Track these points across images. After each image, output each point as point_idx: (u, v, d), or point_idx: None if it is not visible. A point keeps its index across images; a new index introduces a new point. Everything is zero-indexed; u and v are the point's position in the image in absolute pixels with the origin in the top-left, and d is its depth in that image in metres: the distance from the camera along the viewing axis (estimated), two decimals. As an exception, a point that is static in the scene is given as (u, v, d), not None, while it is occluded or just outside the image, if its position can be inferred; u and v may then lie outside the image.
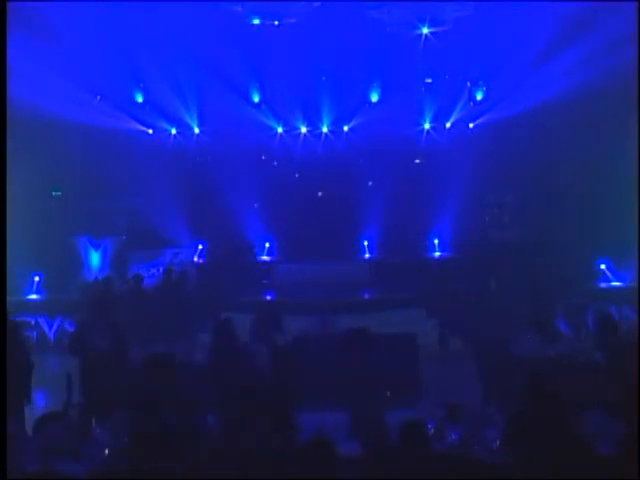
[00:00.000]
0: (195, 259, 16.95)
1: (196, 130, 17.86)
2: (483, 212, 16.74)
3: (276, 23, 16.74)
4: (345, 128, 17.87)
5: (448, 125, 17.80)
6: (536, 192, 16.17)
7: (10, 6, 9.18)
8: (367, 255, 17.36)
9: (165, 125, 17.76)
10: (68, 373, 8.34)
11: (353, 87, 17.33)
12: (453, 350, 12.50)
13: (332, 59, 16.73)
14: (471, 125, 17.70)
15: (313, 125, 17.99)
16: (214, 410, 7.06)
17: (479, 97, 17.50)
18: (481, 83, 17.42)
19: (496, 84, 16.97)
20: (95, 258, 16.36)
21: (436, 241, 17.19)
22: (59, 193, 16.59)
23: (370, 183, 17.31)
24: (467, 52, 16.62)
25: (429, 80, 17.68)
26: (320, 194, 17.92)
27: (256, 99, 17.78)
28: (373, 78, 17.49)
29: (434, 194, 16.82)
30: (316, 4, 16.10)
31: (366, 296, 15.51)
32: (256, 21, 16.76)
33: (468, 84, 17.53)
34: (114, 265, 16.25)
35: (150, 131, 17.68)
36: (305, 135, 18.03)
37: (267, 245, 17.47)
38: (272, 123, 17.85)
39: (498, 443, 5.58)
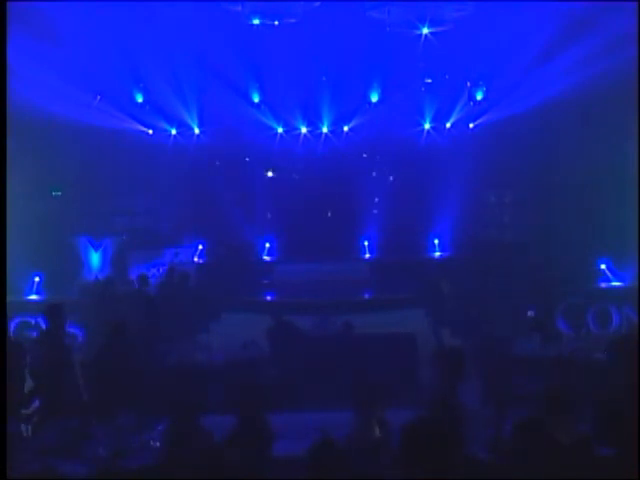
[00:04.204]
0: (195, 259, 16.95)
1: (196, 130, 17.86)
2: (483, 212, 16.73)
3: (276, 23, 16.69)
4: (345, 128, 17.87)
5: (448, 125, 17.80)
6: (536, 192, 16.17)
7: (10, 6, 9.17)
8: (367, 255, 17.36)
9: (165, 125, 17.76)
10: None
11: (353, 87, 17.33)
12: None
13: (332, 59, 16.71)
14: (471, 125, 17.70)
15: (313, 125, 17.99)
16: (215, 410, 7.07)
17: (479, 97, 17.49)
18: (481, 83, 17.41)
19: (496, 84, 16.96)
20: (95, 258, 16.35)
21: (436, 241, 17.20)
22: (59, 193, 16.57)
23: (370, 183, 17.31)
24: (467, 52, 16.60)
25: (429, 80, 17.67)
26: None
27: (256, 99, 17.78)
28: (373, 78, 17.48)
29: (434, 194, 16.82)
30: (316, 4, 16.05)
31: (366, 296, 15.52)
32: (256, 21, 16.73)
33: (468, 84, 17.52)
34: (114, 265, 16.24)
35: (150, 131, 17.68)
36: (305, 135, 18.03)
37: (267, 245, 17.47)
38: (272, 123, 17.85)
39: (498, 443, 5.58)
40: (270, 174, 17.87)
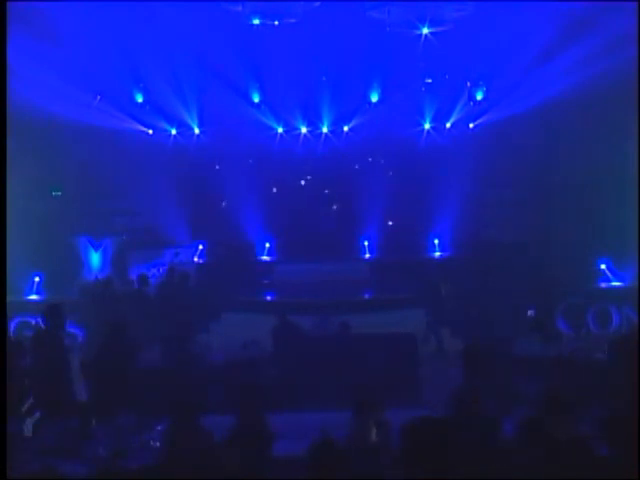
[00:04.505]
0: (195, 259, 16.95)
1: (196, 130, 17.86)
2: (483, 212, 16.73)
3: (276, 23, 16.72)
4: (345, 128, 17.88)
5: (448, 125, 17.81)
6: (536, 192, 16.16)
7: (10, 6, 9.17)
8: (367, 255, 17.36)
9: (165, 125, 17.76)
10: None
11: (353, 87, 17.34)
12: (453, 350, 12.49)
13: (332, 59, 16.73)
14: (471, 125, 17.70)
15: (313, 125, 17.99)
16: (215, 410, 7.07)
17: (479, 97, 17.50)
18: (481, 83, 17.42)
19: (496, 84, 16.97)
20: (95, 258, 16.35)
21: (436, 241, 17.19)
22: (59, 193, 16.58)
23: (370, 183, 17.29)
24: (467, 52, 16.61)
25: (429, 80, 17.68)
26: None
27: (256, 99, 17.78)
28: (373, 78, 17.49)
29: (434, 194, 16.80)
30: (316, 4, 16.07)
31: (366, 296, 15.51)
32: (256, 21, 16.75)
33: (468, 84, 17.52)
34: (114, 265, 16.24)
35: (150, 131, 17.68)
36: (305, 135, 18.03)
37: (267, 245, 17.46)
38: (272, 123, 17.86)
39: (497, 443, 5.57)
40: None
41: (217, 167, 17.70)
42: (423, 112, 17.74)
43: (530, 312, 12.31)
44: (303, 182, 18.28)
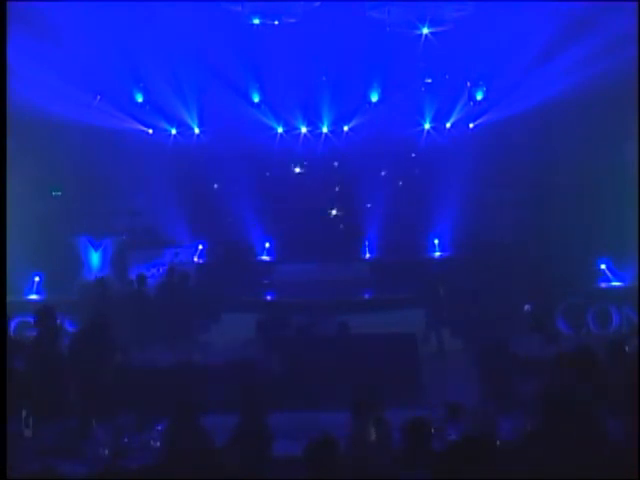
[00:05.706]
0: (195, 259, 16.95)
1: (196, 130, 17.86)
2: (483, 212, 16.74)
3: (276, 23, 16.72)
4: (345, 128, 17.86)
5: (448, 125, 17.79)
6: (536, 192, 16.17)
7: (10, 6, 9.17)
8: (367, 255, 17.35)
9: (165, 125, 17.76)
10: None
11: (353, 87, 17.32)
12: (453, 350, 12.51)
13: (332, 59, 16.72)
14: (471, 125, 17.69)
15: (313, 125, 17.98)
16: (215, 410, 7.07)
17: (479, 97, 17.49)
18: (481, 83, 17.40)
19: (496, 84, 16.96)
20: (95, 258, 16.35)
21: (436, 241, 17.18)
22: (59, 193, 16.57)
23: (370, 183, 17.30)
24: (467, 52, 16.60)
25: (429, 80, 17.67)
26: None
27: (256, 99, 17.78)
28: (373, 78, 17.48)
29: (434, 194, 16.80)
30: (316, 4, 16.08)
31: (366, 296, 15.51)
32: (256, 21, 16.75)
33: (468, 84, 17.52)
34: (114, 265, 16.23)
35: (150, 131, 17.67)
36: (305, 135, 18.03)
37: (267, 245, 17.46)
38: (272, 123, 17.85)
39: (497, 443, 5.58)
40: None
41: (217, 167, 17.67)
42: (423, 112, 17.72)
43: (527, 307, 12.32)
44: (303, 182, 18.25)
